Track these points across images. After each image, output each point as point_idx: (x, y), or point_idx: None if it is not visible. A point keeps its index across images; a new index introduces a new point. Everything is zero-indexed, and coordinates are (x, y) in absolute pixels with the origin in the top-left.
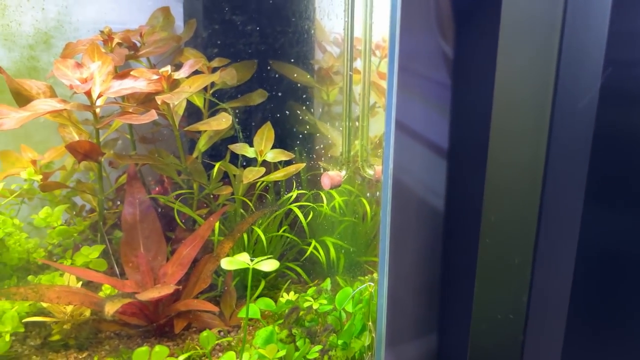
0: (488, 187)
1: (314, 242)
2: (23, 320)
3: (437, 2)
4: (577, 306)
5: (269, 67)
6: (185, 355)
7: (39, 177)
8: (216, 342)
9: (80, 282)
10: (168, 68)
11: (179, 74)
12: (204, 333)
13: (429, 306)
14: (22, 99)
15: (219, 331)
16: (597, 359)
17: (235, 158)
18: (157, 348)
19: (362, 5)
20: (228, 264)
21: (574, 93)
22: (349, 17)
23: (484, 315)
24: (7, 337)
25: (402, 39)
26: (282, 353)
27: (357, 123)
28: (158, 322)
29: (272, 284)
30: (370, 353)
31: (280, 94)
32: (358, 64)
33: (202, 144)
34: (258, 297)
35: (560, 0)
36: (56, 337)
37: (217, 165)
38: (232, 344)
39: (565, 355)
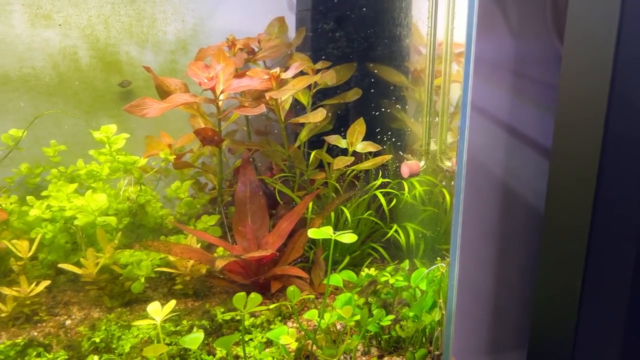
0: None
1: (395, 226)
2: (154, 269)
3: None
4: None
5: (366, 69)
6: (275, 305)
7: (172, 157)
8: (301, 297)
9: (200, 244)
10: (277, 69)
11: (286, 75)
12: (291, 287)
13: (485, 274)
14: (163, 93)
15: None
16: None
17: (334, 149)
18: (253, 295)
19: (445, 12)
20: (313, 233)
21: None
22: (432, 22)
23: (545, 296)
24: (142, 280)
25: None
26: (357, 317)
27: (436, 119)
28: (258, 282)
29: (357, 262)
30: (440, 328)
31: (375, 93)
32: (455, 67)
33: (303, 135)
34: (342, 269)
35: None
36: (178, 287)
37: (313, 153)
38: (317, 306)
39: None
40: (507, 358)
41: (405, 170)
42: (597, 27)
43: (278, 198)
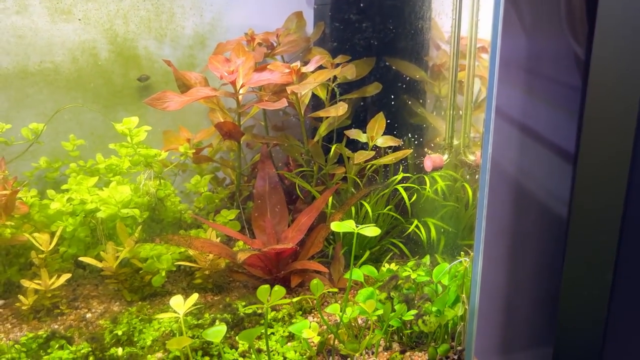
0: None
1: (415, 221)
2: (175, 263)
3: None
4: None
5: (386, 63)
6: (298, 298)
7: (191, 152)
8: (324, 290)
9: (219, 238)
10: (297, 63)
11: (306, 69)
12: (314, 281)
13: (513, 289)
14: (183, 87)
15: (330, 292)
16: None
17: (351, 144)
18: (277, 287)
19: (469, 4)
20: (336, 227)
21: None
22: (456, 15)
23: (573, 290)
24: (163, 273)
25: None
26: (379, 312)
27: (460, 112)
28: (278, 277)
29: (377, 257)
30: (463, 323)
31: (395, 87)
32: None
33: (323, 129)
34: (362, 264)
35: None
36: (198, 281)
37: (333, 147)
38: (337, 301)
39: None
40: (521, 357)
41: (428, 163)
42: (626, 28)
43: (299, 192)
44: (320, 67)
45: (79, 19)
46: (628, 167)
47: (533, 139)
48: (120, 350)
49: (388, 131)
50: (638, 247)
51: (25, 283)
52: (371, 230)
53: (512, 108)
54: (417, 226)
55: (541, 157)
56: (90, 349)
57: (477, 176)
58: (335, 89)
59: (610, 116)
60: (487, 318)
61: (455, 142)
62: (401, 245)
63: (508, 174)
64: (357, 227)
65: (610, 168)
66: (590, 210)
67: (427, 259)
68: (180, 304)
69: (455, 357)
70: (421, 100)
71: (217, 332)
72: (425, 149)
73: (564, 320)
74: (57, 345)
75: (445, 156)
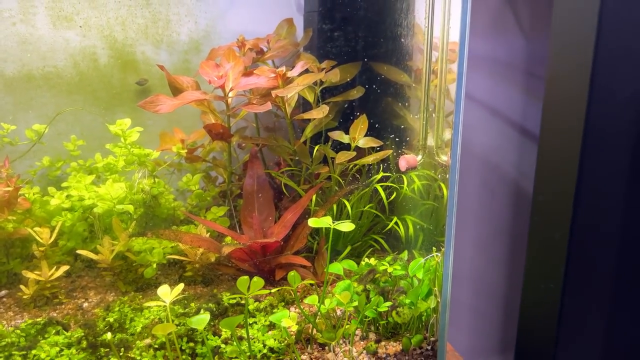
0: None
1: (395, 218)
2: (166, 256)
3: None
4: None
5: (371, 68)
6: (277, 289)
7: (184, 152)
8: (301, 282)
9: (209, 234)
10: (283, 68)
11: (292, 73)
12: (291, 273)
13: (491, 277)
14: (175, 90)
15: (310, 284)
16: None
17: (339, 145)
18: (255, 278)
19: (441, 13)
20: (313, 222)
21: None
22: (429, 23)
23: (533, 283)
24: (154, 265)
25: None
26: (355, 303)
27: (433, 115)
28: (263, 270)
29: (359, 253)
30: (435, 315)
31: (378, 91)
32: (454, 66)
33: (309, 131)
34: (343, 259)
35: None
36: (189, 274)
37: (316, 147)
38: (319, 293)
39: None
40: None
41: (402, 163)
42: (578, 29)
43: (285, 191)
44: (307, 72)
45: (80, 26)
46: (578, 159)
47: (531, 140)
48: (109, 335)
49: (372, 133)
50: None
51: (27, 274)
52: (346, 226)
53: (510, 109)
54: (396, 223)
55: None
56: (83, 334)
57: (447, 176)
58: (318, 93)
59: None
60: (482, 318)
61: (431, 143)
62: (382, 241)
63: (506, 174)
64: (334, 222)
65: (563, 158)
66: (546, 199)
67: (405, 254)
68: (167, 293)
69: (429, 347)
70: (404, 103)
71: (200, 320)
72: (403, 150)
73: (524, 314)
74: (53, 331)
75: (419, 157)
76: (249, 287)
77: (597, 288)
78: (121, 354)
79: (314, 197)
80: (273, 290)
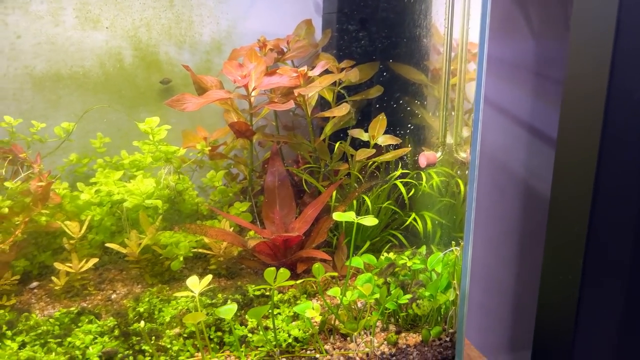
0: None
1: (413, 214)
2: (191, 250)
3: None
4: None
5: (389, 68)
6: (301, 281)
7: (207, 149)
8: (325, 274)
9: (232, 229)
10: (305, 68)
11: (313, 73)
12: (316, 265)
13: (509, 272)
14: (200, 89)
15: (331, 277)
16: None
17: (357, 143)
18: (282, 270)
19: (460, 13)
20: (338, 216)
21: None
22: (448, 24)
23: (551, 275)
24: (181, 258)
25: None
26: (376, 295)
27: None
28: (285, 264)
29: (377, 248)
30: (454, 308)
31: (396, 90)
32: (472, 66)
33: (328, 129)
34: (363, 253)
35: None
36: (213, 267)
37: (337, 145)
38: (339, 286)
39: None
40: (528, 356)
41: (422, 160)
42: (597, 30)
43: (305, 187)
44: (327, 71)
45: (107, 27)
46: (596, 161)
47: (540, 140)
48: (143, 323)
49: (390, 131)
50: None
51: (58, 266)
52: (369, 220)
53: (519, 109)
54: (414, 219)
55: (548, 158)
56: (116, 322)
57: (466, 172)
58: (342, 91)
59: (582, 112)
60: (492, 316)
61: (450, 140)
62: (400, 236)
63: (516, 173)
64: (357, 217)
65: (582, 157)
66: (565, 201)
67: (423, 249)
68: (196, 284)
69: (448, 339)
70: (421, 102)
71: (228, 310)
72: (422, 147)
73: (543, 297)
74: (86, 320)
75: (439, 153)
76: (275, 278)
77: (615, 281)
78: (152, 342)
79: (334, 193)
80: (298, 282)
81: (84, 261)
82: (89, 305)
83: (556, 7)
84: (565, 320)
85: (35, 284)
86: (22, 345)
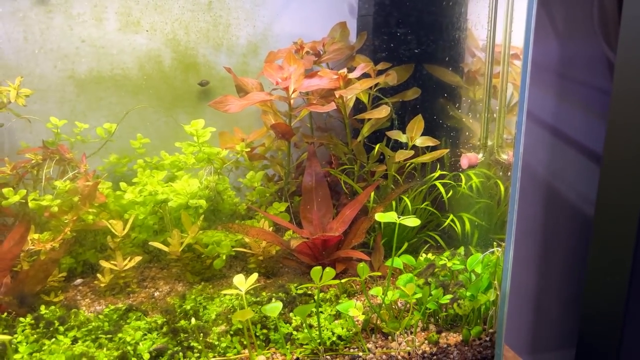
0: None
1: (451, 216)
2: (233, 248)
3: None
4: None
5: (424, 70)
6: (345, 280)
7: (246, 151)
8: (368, 274)
9: (271, 228)
10: (344, 70)
11: (352, 75)
12: (361, 264)
13: (542, 290)
14: (241, 91)
15: (370, 277)
16: None
17: (388, 144)
18: (328, 269)
19: (503, 17)
20: (380, 217)
21: None
22: (491, 27)
23: (596, 275)
24: (223, 257)
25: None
26: (418, 295)
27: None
28: (324, 264)
29: (414, 249)
30: (494, 308)
31: (432, 92)
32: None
33: (365, 130)
34: (401, 254)
35: None
36: (252, 266)
37: (377, 146)
38: (378, 285)
39: None
40: (549, 357)
41: (464, 161)
42: None
43: (344, 188)
44: (365, 74)
45: (147, 30)
46: None
47: (563, 141)
48: (193, 320)
49: (426, 132)
50: None
51: (104, 264)
52: (412, 221)
53: (543, 110)
54: (452, 220)
55: (571, 159)
56: (164, 319)
57: (509, 174)
58: (378, 93)
59: (634, 120)
60: (514, 318)
61: (490, 142)
62: (437, 237)
63: (538, 175)
64: (398, 218)
65: (634, 169)
66: (612, 211)
67: (461, 250)
68: (243, 282)
69: (487, 338)
70: (457, 104)
71: (274, 308)
72: (460, 149)
73: (586, 316)
74: (134, 317)
75: (480, 155)
76: (321, 277)
77: None
78: (200, 339)
79: (372, 194)
80: (343, 281)
81: (128, 259)
82: (134, 303)
83: (580, 8)
84: (612, 322)
85: (79, 281)
86: (74, 340)
